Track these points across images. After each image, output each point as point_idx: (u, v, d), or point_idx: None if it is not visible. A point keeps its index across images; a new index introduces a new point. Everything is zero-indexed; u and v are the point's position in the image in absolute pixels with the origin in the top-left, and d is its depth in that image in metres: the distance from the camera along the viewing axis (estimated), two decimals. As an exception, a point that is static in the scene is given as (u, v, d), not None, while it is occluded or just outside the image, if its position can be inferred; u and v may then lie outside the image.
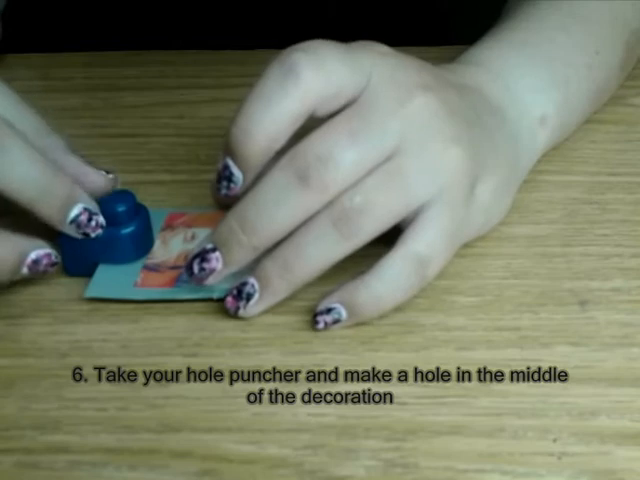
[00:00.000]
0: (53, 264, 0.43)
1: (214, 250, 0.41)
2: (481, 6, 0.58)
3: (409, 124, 0.41)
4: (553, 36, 0.51)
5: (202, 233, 0.46)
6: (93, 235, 0.43)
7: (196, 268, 0.42)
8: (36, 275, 0.43)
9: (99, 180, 0.45)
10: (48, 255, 0.43)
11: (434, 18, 0.69)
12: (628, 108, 0.57)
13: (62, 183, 0.42)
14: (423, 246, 0.41)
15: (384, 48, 0.44)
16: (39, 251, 0.43)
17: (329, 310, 0.41)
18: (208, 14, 0.69)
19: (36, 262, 0.42)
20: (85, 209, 0.43)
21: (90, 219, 0.43)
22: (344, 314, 0.41)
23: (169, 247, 0.46)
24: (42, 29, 0.69)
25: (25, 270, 0.42)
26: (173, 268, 0.44)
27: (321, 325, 0.41)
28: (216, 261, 0.41)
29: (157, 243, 0.46)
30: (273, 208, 0.40)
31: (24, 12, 0.67)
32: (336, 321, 0.41)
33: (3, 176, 0.41)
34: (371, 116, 0.41)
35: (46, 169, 0.42)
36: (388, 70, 0.42)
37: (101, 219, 0.43)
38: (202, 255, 0.42)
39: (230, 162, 0.41)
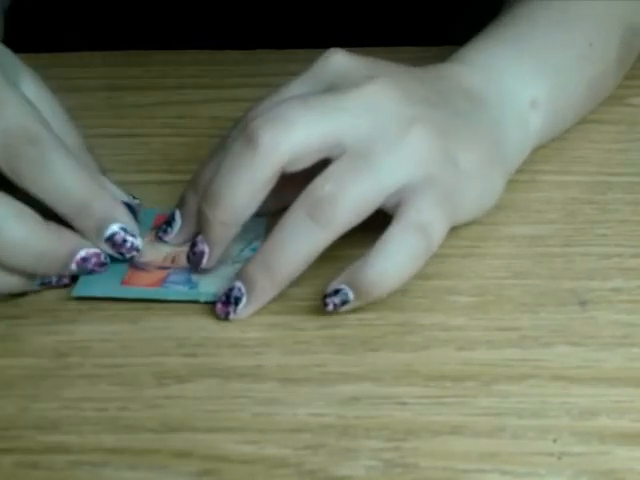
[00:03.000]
0: (102, 264, 0.43)
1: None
2: (482, 5, 0.58)
3: (365, 111, 0.42)
4: (543, 31, 0.51)
5: None
6: (128, 256, 0.43)
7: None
8: (83, 273, 0.43)
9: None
10: (97, 255, 0.43)
11: (435, 18, 0.69)
12: (628, 108, 0.57)
13: (102, 200, 0.43)
14: (420, 214, 0.41)
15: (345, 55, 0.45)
16: (89, 250, 0.43)
17: (336, 292, 0.41)
18: (208, 14, 0.69)
19: (85, 260, 0.42)
20: (122, 229, 0.43)
21: (125, 240, 0.43)
22: (351, 295, 0.41)
23: (157, 247, 0.46)
24: (43, 29, 0.69)
25: (74, 267, 0.42)
26: (161, 268, 0.44)
27: (330, 307, 0.41)
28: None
29: (145, 242, 0.46)
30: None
31: (25, 12, 0.67)
32: (344, 302, 0.41)
33: (46, 187, 0.41)
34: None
35: (89, 184, 0.42)
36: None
37: (137, 242, 0.43)
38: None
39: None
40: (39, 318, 0.43)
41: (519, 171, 0.51)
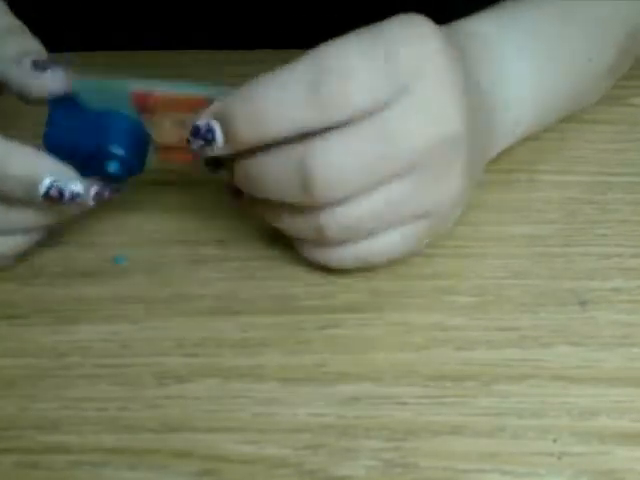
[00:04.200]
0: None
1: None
2: (485, 4, 0.58)
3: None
4: (547, 32, 0.51)
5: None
6: (72, 204, 0.40)
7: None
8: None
9: (53, 84, 0.42)
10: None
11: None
12: (628, 108, 0.57)
13: (19, 164, 0.40)
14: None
15: None
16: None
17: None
18: (208, 14, 0.69)
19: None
20: (52, 183, 0.40)
21: (62, 192, 0.40)
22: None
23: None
24: (42, 29, 0.69)
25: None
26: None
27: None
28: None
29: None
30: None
31: (24, 12, 0.67)
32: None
33: None
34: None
35: None
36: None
37: (76, 187, 0.40)
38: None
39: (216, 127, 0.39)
40: (39, 318, 0.43)
41: (519, 171, 0.51)
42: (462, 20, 0.49)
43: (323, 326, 0.42)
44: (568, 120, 0.53)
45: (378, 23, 0.41)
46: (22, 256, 0.44)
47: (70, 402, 0.39)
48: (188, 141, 0.39)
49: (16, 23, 0.45)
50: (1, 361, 0.41)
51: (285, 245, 0.44)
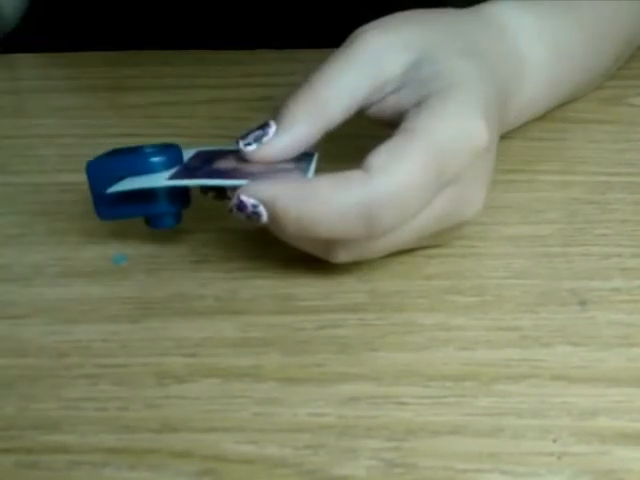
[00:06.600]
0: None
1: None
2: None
3: None
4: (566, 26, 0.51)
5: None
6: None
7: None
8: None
9: None
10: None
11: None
12: (628, 108, 0.57)
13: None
14: None
15: None
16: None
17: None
18: (208, 14, 0.69)
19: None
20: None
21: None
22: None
23: None
24: (43, 29, 0.70)
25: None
26: None
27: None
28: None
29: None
30: None
31: (24, 13, 0.67)
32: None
33: None
34: None
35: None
36: None
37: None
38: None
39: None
40: (39, 318, 0.43)
41: (519, 171, 0.51)
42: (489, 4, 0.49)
43: (323, 326, 0.42)
44: (568, 120, 0.54)
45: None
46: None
47: (70, 402, 0.39)
48: (230, 210, 0.40)
49: None
50: (1, 361, 0.41)
51: (285, 245, 0.44)
